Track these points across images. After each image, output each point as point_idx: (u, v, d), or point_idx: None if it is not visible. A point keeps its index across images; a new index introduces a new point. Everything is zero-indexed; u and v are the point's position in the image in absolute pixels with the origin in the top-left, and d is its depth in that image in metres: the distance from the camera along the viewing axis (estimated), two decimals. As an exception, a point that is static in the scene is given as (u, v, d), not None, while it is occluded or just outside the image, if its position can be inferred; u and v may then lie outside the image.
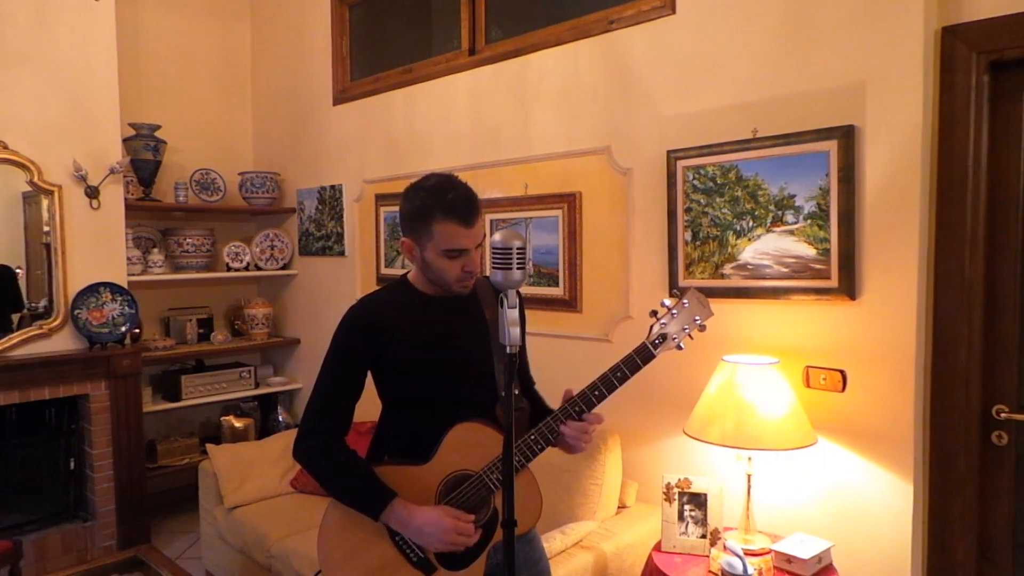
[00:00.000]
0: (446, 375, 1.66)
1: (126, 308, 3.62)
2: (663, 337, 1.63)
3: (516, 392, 1.44)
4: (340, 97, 4.10)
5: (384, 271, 3.85)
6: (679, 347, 1.65)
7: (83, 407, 3.61)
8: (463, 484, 1.63)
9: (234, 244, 4.40)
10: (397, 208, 3.75)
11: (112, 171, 3.60)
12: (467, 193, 1.59)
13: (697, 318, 1.64)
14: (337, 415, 1.67)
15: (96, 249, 3.59)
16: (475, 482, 1.62)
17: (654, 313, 1.66)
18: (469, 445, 1.63)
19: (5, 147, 3.33)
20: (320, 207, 4.27)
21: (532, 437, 1.61)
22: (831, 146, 2.19)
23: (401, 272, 3.72)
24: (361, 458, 1.68)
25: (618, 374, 1.61)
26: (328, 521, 1.70)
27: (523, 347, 1.84)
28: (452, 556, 1.63)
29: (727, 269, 2.46)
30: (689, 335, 1.65)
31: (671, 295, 1.67)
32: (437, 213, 1.56)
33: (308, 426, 1.66)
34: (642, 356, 1.62)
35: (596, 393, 1.61)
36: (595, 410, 1.63)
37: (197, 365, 4.34)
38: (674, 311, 1.64)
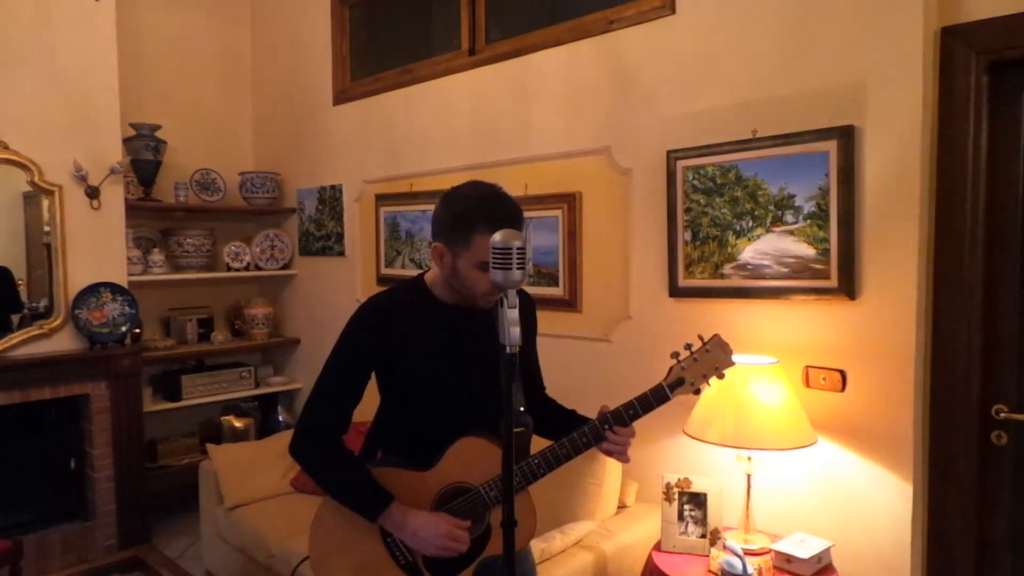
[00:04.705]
0: (456, 385, 1.65)
1: (126, 308, 3.62)
2: (680, 381, 1.61)
3: (522, 409, 1.44)
4: (340, 97, 4.10)
5: (384, 271, 3.85)
6: (696, 392, 1.63)
7: (83, 407, 3.61)
8: (461, 496, 1.63)
9: (234, 244, 4.40)
10: (398, 208, 3.76)
11: (112, 171, 3.60)
12: (515, 210, 1.53)
13: (718, 366, 1.62)
14: (338, 414, 1.64)
15: (96, 249, 3.58)
16: (472, 496, 1.62)
17: (675, 355, 1.63)
18: (473, 460, 1.62)
19: (5, 147, 3.33)
20: (320, 207, 4.27)
21: (536, 461, 1.60)
22: (831, 146, 2.19)
23: (400, 272, 3.73)
24: (358, 459, 1.67)
25: (631, 411, 1.60)
26: (322, 513, 1.70)
27: (533, 353, 1.82)
28: (440, 565, 1.63)
29: (727, 269, 2.46)
30: (707, 382, 1.63)
31: (698, 338, 1.64)
32: (481, 225, 1.48)
33: (307, 423, 1.64)
34: (657, 397, 1.61)
35: (606, 427, 1.61)
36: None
37: (197, 365, 4.34)
38: (696, 356, 1.62)
